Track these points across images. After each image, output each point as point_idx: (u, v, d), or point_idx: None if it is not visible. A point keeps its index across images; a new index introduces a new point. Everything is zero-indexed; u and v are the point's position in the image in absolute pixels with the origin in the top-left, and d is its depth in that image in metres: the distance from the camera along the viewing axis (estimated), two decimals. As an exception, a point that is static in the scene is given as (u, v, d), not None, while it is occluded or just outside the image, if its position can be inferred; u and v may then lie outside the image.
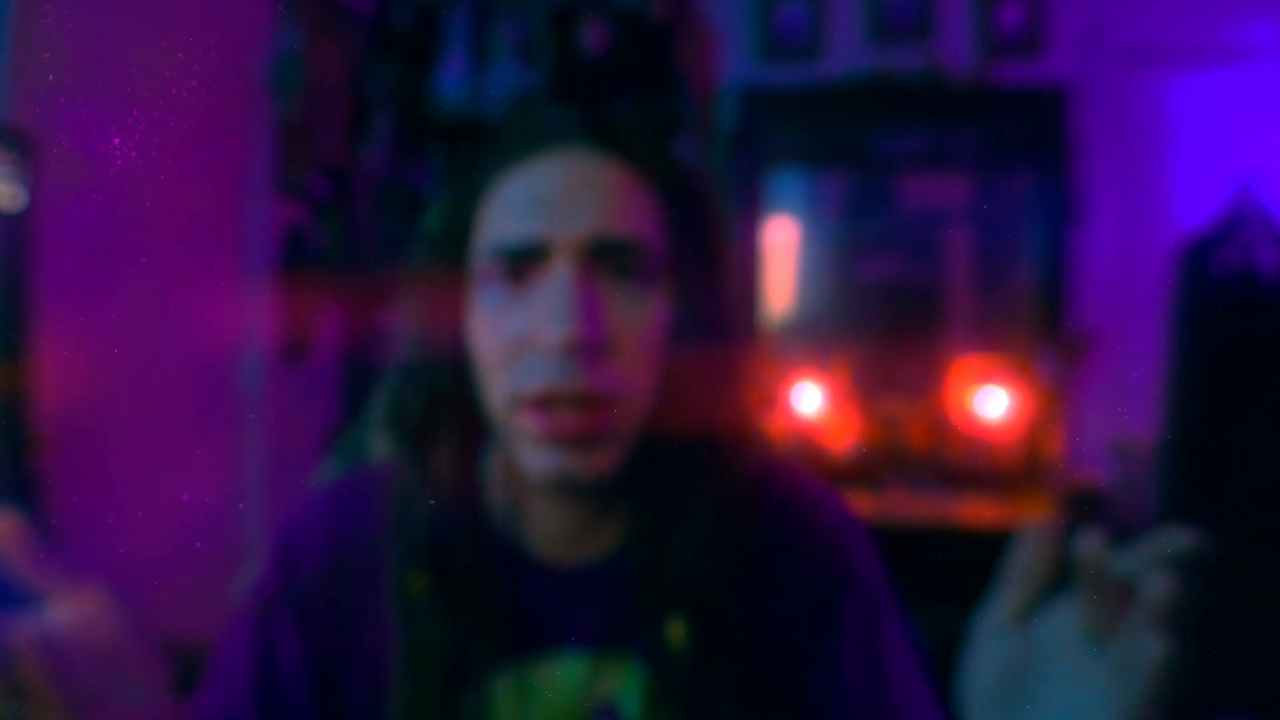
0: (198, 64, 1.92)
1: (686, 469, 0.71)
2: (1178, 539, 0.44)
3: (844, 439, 2.64)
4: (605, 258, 0.67)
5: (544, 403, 0.65)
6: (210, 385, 2.12)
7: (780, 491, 0.77)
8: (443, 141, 2.68)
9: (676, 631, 0.70)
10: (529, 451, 0.66)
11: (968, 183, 2.81)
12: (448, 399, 0.71)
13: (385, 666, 0.71)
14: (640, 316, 0.67)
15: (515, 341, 0.66)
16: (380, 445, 0.76)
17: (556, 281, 0.65)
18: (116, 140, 1.76)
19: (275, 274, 2.36)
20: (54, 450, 1.51)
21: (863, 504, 2.42)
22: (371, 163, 2.67)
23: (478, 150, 0.73)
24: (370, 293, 2.45)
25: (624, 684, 0.72)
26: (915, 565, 0.98)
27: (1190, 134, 2.70)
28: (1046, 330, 2.61)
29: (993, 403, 2.58)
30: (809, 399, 2.65)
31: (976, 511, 2.45)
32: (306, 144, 2.44)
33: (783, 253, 2.80)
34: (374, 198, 2.67)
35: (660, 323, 0.68)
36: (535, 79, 2.66)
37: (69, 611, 0.51)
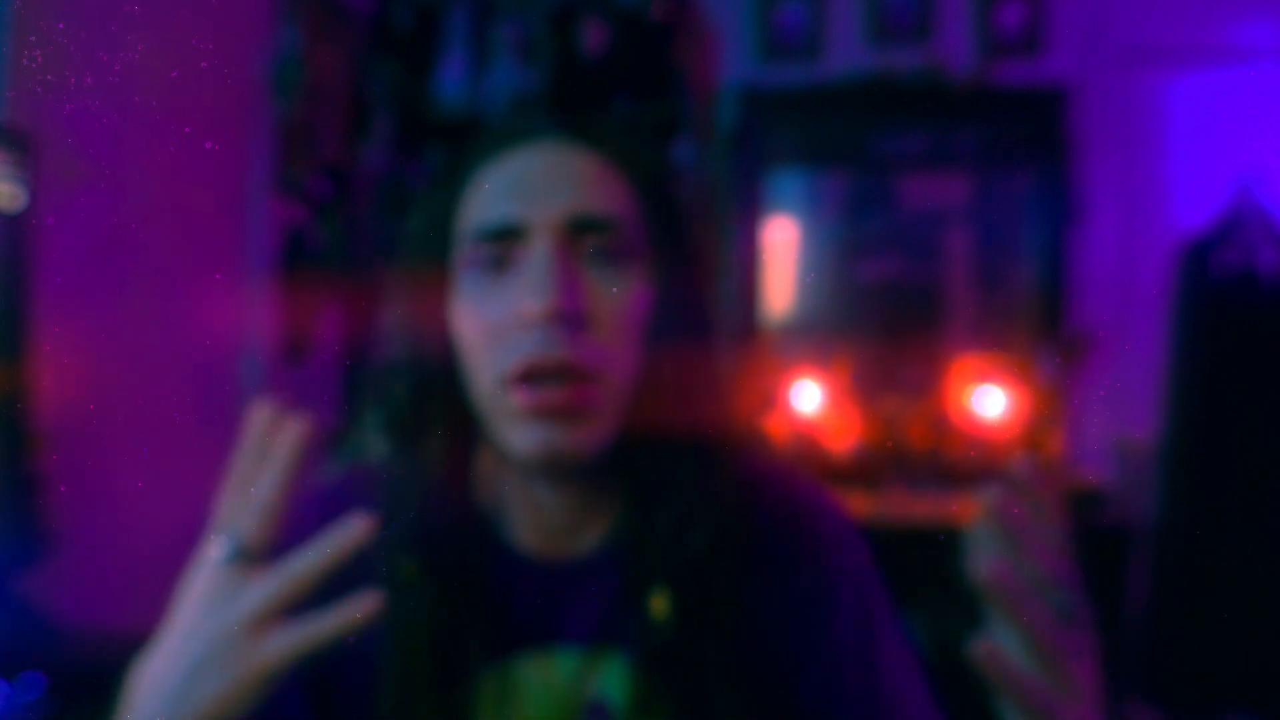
0: (198, 64, 1.92)
1: (671, 456, 0.71)
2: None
3: (844, 438, 2.64)
4: (582, 237, 0.68)
5: (528, 376, 0.66)
6: (210, 385, 2.11)
7: (773, 489, 0.78)
8: (443, 141, 2.67)
9: (660, 605, 0.70)
10: (516, 430, 0.67)
11: (968, 183, 2.81)
12: (435, 392, 0.71)
13: (376, 663, 0.71)
14: (619, 294, 0.69)
15: (498, 323, 0.67)
16: (375, 445, 0.76)
17: (535, 258, 0.67)
18: (116, 140, 1.76)
19: (275, 274, 2.35)
20: (54, 450, 1.51)
21: (862, 503, 2.42)
22: (371, 163, 2.67)
23: (459, 151, 0.75)
24: (370, 293, 2.44)
25: (612, 680, 0.72)
26: (914, 565, 0.98)
27: (1190, 134, 2.70)
28: (1046, 330, 2.61)
29: (992, 402, 2.58)
30: (809, 398, 2.65)
31: (976, 511, 2.44)
32: (306, 144, 2.44)
33: (783, 253, 2.80)
34: (374, 198, 2.67)
35: (639, 303, 0.70)
36: (535, 79, 2.66)
37: None
